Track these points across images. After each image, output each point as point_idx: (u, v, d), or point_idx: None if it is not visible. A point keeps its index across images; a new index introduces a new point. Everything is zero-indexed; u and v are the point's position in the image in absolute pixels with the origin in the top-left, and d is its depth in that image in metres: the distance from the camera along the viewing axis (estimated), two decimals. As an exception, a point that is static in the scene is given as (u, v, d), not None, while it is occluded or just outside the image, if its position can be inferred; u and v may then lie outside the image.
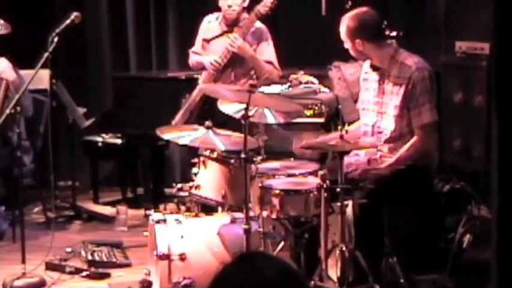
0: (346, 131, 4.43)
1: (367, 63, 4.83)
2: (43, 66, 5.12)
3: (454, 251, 4.83)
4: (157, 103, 6.55)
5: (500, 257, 2.55)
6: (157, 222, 4.60)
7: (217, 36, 5.90)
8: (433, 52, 5.77)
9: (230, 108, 4.57)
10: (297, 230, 4.58)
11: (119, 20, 7.65)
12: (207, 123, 4.63)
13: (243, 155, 4.31)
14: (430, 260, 4.91)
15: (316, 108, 5.79)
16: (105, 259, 5.41)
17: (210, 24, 5.97)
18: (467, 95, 5.10)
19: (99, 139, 6.94)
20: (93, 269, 5.25)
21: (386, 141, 4.67)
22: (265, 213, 4.43)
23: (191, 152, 5.17)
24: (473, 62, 5.08)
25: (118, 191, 7.26)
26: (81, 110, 6.68)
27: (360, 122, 4.91)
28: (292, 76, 6.01)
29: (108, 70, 7.68)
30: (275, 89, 5.84)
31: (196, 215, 4.74)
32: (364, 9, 4.72)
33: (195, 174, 4.81)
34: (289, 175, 4.62)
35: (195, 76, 6.10)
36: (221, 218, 4.71)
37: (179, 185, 4.88)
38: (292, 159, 4.93)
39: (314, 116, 5.79)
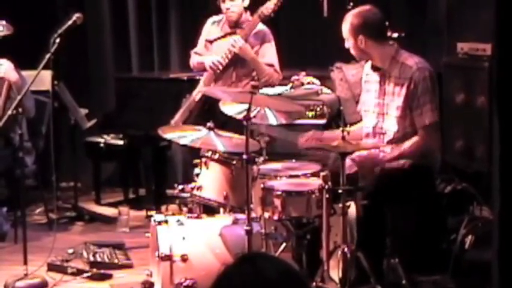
0: (348, 132, 4.42)
1: (369, 64, 4.82)
2: (45, 67, 5.13)
3: (456, 251, 4.83)
4: (159, 104, 6.54)
5: (501, 258, 2.55)
6: (159, 223, 4.60)
7: (220, 38, 5.92)
8: (434, 53, 5.77)
9: (232, 109, 4.57)
10: (298, 231, 4.58)
11: (121, 21, 7.65)
12: (209, 124, 4.63)
13: (244, 156, 4.31)
14: (432, 260, 4.90)
15: (318, 109, 5.78)
16: (107, 260, 5.40)
17: (213, 26, 5.98)
18: (469, 96, 5.09)
19: (101, 140, 6.95)
20: (95, 270, 5.25)
21: (389, 142, 4.66)
22: (267, 214, 4.42)
23: (193, 153, 5.17)
24: (475, 63, 5.06)
25: (120, 192, 7.25)
26: (83, 111, 6.68)
27: (362, 123, 4.91)
28: (294, 77, 6.01)
29: (110, 71, 7.68)
30: (277, 89, 5.83)
31: (198, 216, 4.74)
32: (367, 7, 4.71)
33: (197, 175, 4.81)
34: (291, 176, 4.62)
35: (197, 77, 6.10)
36: (223, 219, 4.71)
37: (181, 186, 4.86)
38: (293, 160, 4.92)
39: (316, 117, 5.78)
